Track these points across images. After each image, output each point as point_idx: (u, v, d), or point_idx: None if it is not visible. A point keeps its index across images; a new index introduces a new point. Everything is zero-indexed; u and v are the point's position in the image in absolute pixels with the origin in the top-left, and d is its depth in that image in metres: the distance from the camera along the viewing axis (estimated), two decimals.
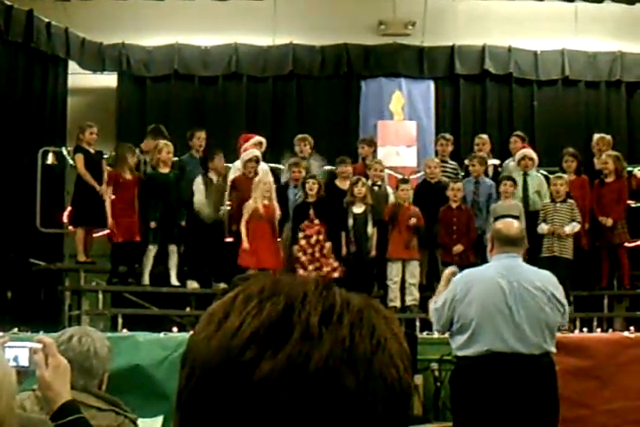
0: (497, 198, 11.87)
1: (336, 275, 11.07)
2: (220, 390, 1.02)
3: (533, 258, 10.25)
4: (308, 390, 1.01)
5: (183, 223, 11.54)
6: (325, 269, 11.18)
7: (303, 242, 11.31)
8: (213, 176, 11.75)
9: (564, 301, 6.17)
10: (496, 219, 10.93)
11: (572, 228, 11.36)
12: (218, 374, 1.03)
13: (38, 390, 3.35)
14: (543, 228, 11.37)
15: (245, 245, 11.13)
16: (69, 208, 11.89)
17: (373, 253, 11.52)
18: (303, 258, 11.28)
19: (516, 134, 12.95)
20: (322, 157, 12.70)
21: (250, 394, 1.01)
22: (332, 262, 11.28)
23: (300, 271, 11.09)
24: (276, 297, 1.06)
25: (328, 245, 11.34)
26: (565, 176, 11.86)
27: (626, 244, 11.93)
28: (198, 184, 11.63)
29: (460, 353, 6.07)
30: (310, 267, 11.20)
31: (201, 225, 11.52)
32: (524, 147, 12.52)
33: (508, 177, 11.83)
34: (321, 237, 11.35)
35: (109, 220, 11.14)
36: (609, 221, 11.71)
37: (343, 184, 12.04)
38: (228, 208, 11.81)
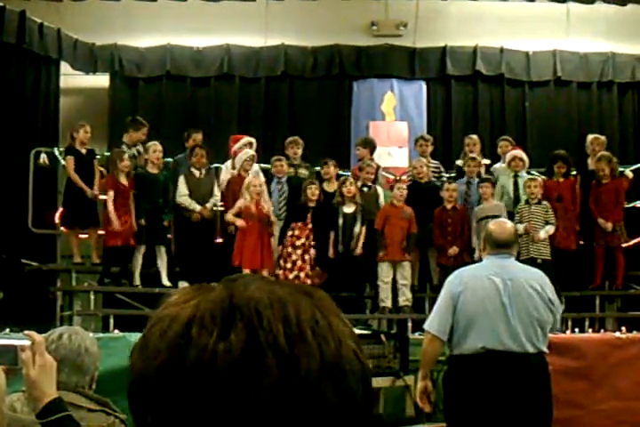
0: None
1: (309, 281, 10.95)
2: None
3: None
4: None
5: (166, 223, 11.53)
6: (302, 275, 11.18)
7: (289, 240, 11.32)
8: (195, 171, 11.73)
9: (556, 300, 6.20)
10: (480, 220, 11.09)
11: (547, 231, 11.35)
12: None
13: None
14: (519, 227, 11.34)
15: (240, 223, 11.17)
16: (60, 209, 11.89)
17: (358, 251, 11.48)
18: (287, 257, 11.29)
19: (505, 138, 12.87)
20: (308, 165, 12.64)
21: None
22: (308, 270, 11.26)
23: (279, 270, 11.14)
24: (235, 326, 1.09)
25: (313, 252, 11.33)
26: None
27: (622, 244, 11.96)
28: (181, 181, 11.62)
29: (454, 351, 6.08)
30: (289, 270, 11.22)
31: (191, 225, 11.51)
32: (514, 148, 12.51)
33: (485, 179, 11.85)
34: (307, 242, 11.34)
35: (114, 222, 11.10)
36: (608, 226, 11.72)
37: (328, 186, 12.00)
38: (221, 204, 11.79)
